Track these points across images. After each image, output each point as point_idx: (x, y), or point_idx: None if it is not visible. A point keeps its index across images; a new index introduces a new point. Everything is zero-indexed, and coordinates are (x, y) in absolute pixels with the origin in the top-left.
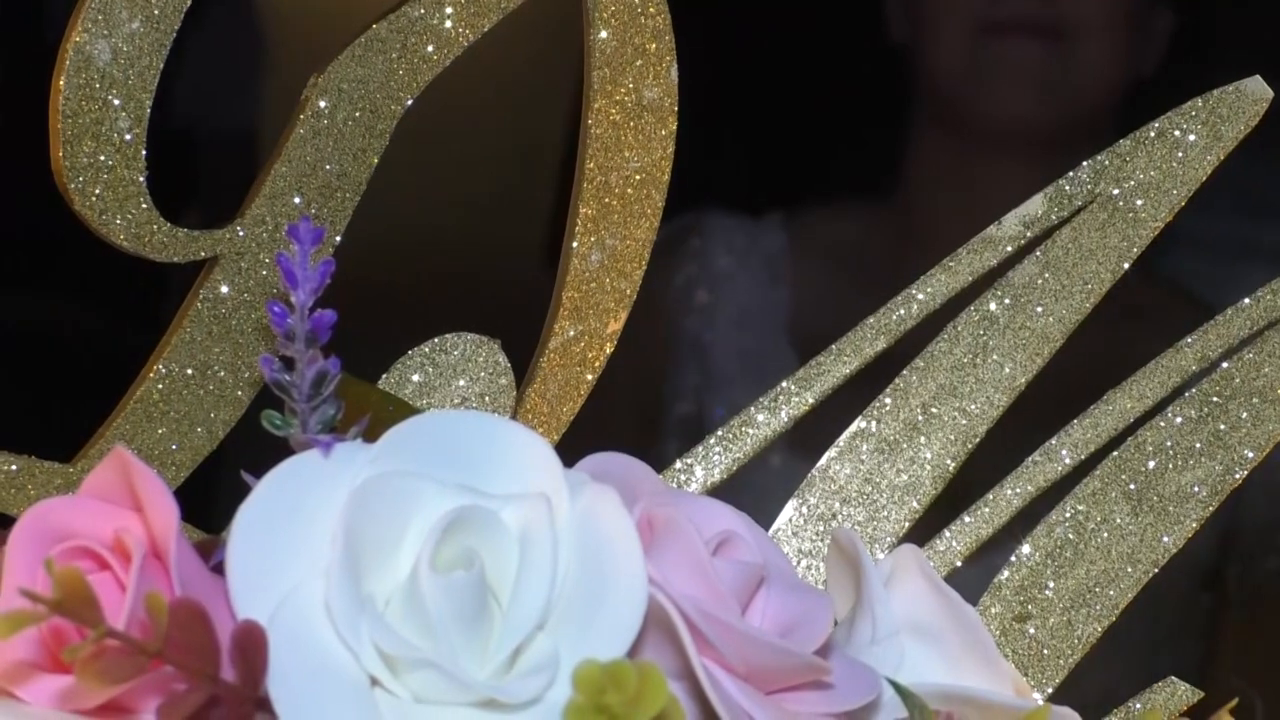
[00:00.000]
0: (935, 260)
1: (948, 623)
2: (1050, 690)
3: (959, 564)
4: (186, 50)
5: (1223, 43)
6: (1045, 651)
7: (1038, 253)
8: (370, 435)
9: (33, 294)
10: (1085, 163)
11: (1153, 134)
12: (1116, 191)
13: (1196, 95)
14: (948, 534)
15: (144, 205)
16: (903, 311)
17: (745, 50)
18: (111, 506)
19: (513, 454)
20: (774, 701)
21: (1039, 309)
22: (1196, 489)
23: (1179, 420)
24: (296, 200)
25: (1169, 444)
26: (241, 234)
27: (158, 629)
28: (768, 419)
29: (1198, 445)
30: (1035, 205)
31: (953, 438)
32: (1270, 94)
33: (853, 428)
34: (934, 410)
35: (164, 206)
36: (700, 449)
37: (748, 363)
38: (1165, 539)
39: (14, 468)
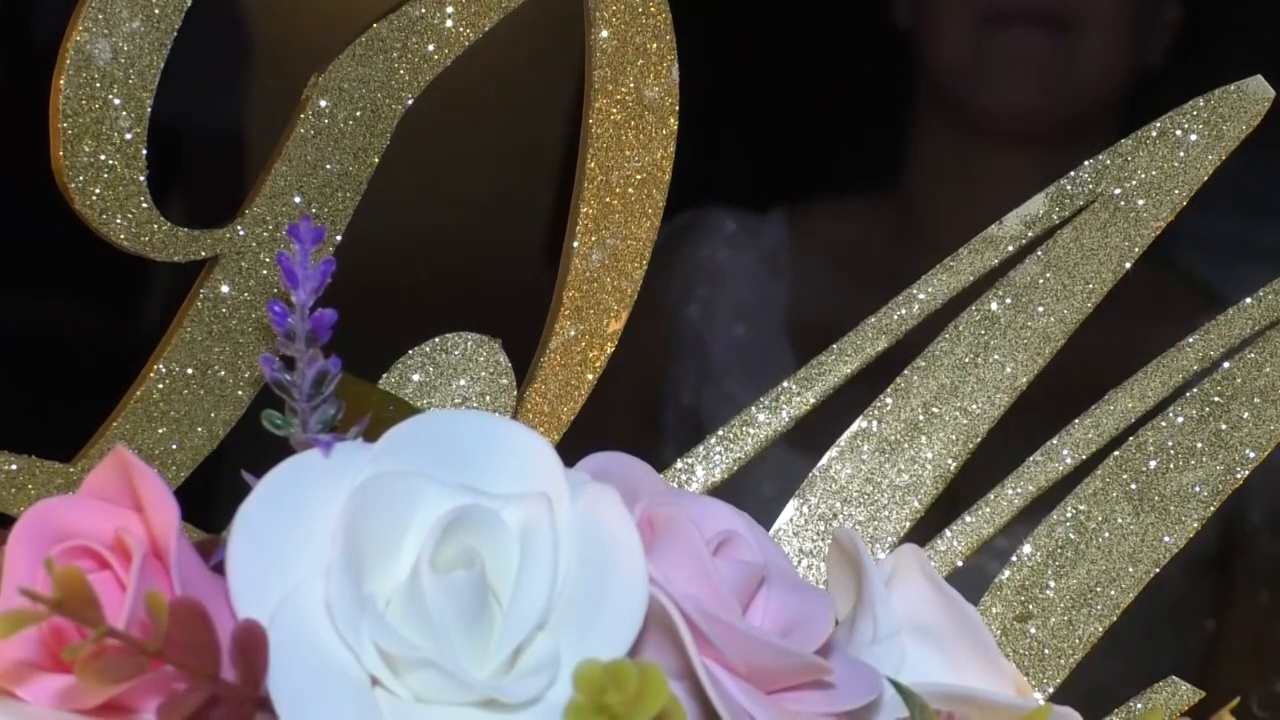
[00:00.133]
0: (937, 258)
1: (949, 622)
2: (1051, 690)
3: (960, 563)
4: (184, 49)
5: (1224, 42)
6: (1046, 651)
7: (1039, 252)
8: (371, 435)
9: (33, 294)
10: (1087, 162)
11: (1154, 133)
12: (1118, 191)
13: (1198, 94)
14: (949, 534)
15: (144, 205)
16: (904, 311)
17: (746, 48)
18: (112, 506)
19: (513, 454)
20: (775, 701)
21: (1040, 309)
22: (1198, 489)
23: (1180, 420)
24: (297, 199)
25: (1170, 444)
26: (242, 233)
27: (158, 628)
28: (768, 418)
29: (1199, 445)
30: (1037, 204)
31: (954, 437)
32: (1272, 94)
33: (854, 427)
34: (935, 410)
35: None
36: (701, 449)
37: (748, 361)
38: (1166, 539)
39: (14, 467)
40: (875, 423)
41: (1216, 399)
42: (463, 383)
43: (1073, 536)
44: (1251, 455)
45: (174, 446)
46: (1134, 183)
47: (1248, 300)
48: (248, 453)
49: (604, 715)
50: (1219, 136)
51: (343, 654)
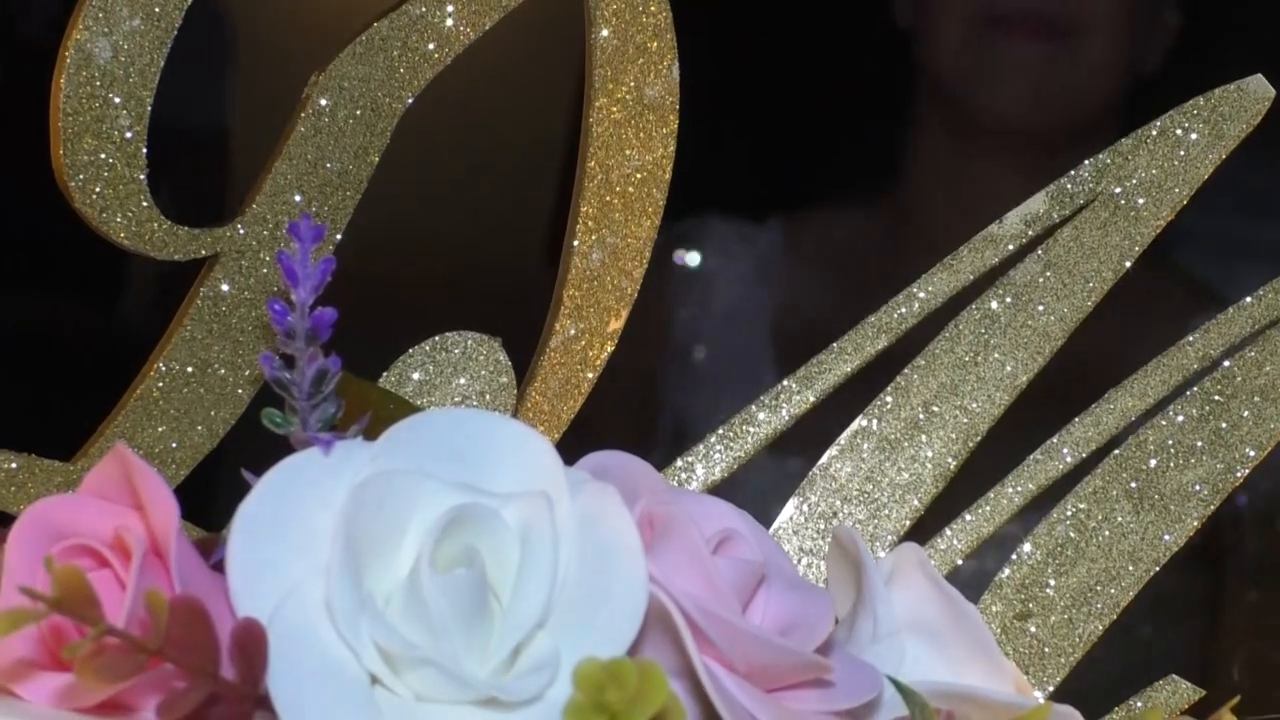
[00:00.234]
0: (936, 258)
1: (949, 621)
2: (1051, 688)
3: (960, 562)
4: (182, 47)
5: (1224, 42)
6: (1046, 650)
7: (1039, 251)
8: (371, 433)
9: (33, 294)
10: (1087, 161)
11: (1154, 132)
12: (1118, 190)
13: (1198, 94)
14: (949, 532)
15: (144, 203)
16: (904, 310)
17: (747, 48)
18: (112, 504)
19: (513, 452)
20: (774, 700)
21: (1040, 307)
22: (1198, 487)
23: (1180, 419)
24: (297, 198)
25: (1170, 442)
26: (242, 232)
27: (157, 627)
28: (768, 417)
29: (1199, 444)
30: (1037, 203)
31: (954, 436)
32: (1272, 93)
33: (854, 426)
34: (935, 408)
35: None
36: (701, 447)
37: (747, 360)
38: (1166, 537)
39: (14, 466)
40: (875, 421)
41: (1217, 398)
42: (463, 381)
43: (1073, 535)
44: (1251, 454)
45: (174, 445)
46: (1134, 181)
47: (1248, 299)
48: (247, 451)
49: (604, 714)
50: (1219, 135)
51: (342, 652)
